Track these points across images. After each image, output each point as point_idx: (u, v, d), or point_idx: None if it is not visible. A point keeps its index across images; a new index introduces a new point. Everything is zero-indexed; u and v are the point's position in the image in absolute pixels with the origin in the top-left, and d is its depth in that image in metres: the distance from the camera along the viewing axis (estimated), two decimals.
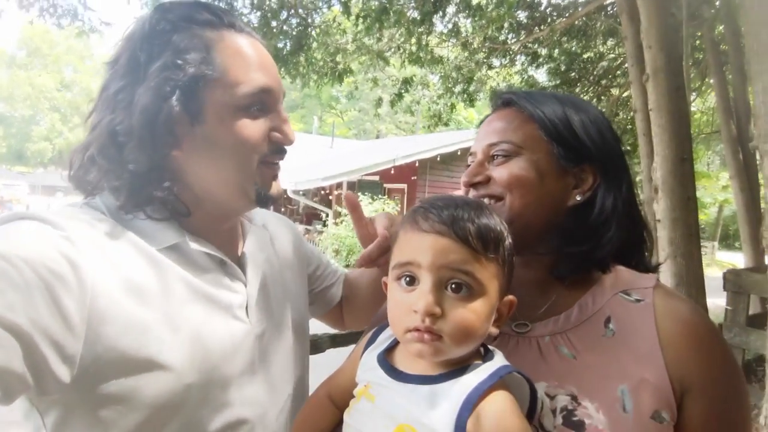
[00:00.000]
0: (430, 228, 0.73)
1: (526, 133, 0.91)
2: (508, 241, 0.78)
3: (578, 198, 0.90)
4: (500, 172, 0.90)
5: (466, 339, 0.71)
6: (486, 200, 0.90)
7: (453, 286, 0.71)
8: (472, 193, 0.94)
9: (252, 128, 0.87)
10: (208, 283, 0.88)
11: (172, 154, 0.85)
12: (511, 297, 0.78)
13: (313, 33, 7.75)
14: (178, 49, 0.82)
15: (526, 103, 0.93)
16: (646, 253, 0.97)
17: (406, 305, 0.72)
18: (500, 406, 0.68)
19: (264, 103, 0.89)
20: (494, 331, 0.75)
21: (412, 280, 0.73)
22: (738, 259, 13.60)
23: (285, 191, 1.00)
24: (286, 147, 0.94)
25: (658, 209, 4.18)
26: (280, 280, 1.07)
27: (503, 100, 0.99)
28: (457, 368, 0.73)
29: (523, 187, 0.88)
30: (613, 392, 0.76)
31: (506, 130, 0.92)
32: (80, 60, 50.35)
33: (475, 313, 0.71)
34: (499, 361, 0.74)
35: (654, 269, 0.95)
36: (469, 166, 0.97)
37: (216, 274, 0.91)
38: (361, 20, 7.20)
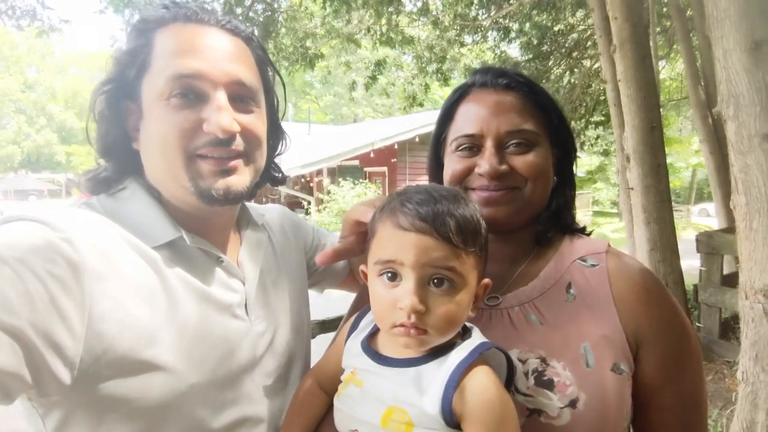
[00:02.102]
0: (411, 226, 0.73)
1: (539, 122, 0.93)
2: (484, 228, 0.80)
3: (555, 179, 0.98)
4: (522, 162, 0.91)
5: (449, 329, 0.75)
6: (503, 191, 0.90)
7: (435, 281, 0.73)
8: (487, 183, 0.90)
9: (175, 118, 0.82)
10: (206, 282, 0.89)
11: (133, 147, 0.89)
12: (486, 280, 0.81)
13: (280, 18, 7.61)
14: (125, 49, 0.86)
15: (531, 91, 0.94)
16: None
17: (390, 301, 0.74)
18: (482, 380, 0.72)
19: (194, 90, 0.83)
20: (471, 314, 0.79)
21: (395, 276, 0.75)
22: (713, 222, 13.94)
23: (245, 190, 0.90)
24: (222, 138, 0.83)
25: (630, 177, 4.27)
26: (278, 277, 1.07)
27: (506, 83, 0.94)
28: (439, 348, 0.76)
29: (542, 176, 0.92)
30: (577, 350, 0.83)
31: (523, 116, 0.92)
32: (42, 59, 48.66)
33: (457, 304, 0.74)
34: (477, 338, 0.78)
35: (582, 230, 1.03)
36: (464, 148, 0.93)
37: (214, 273, 0.91)
38: (328, 3, 7.09)
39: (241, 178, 0.89)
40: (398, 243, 0.74)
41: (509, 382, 0.79)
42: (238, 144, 0.87)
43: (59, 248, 0.71)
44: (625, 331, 0.84)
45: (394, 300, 0.73)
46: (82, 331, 0.71)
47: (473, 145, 0.93)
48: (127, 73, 0.85)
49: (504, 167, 0.90)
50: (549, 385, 0.80)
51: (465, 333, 0.80)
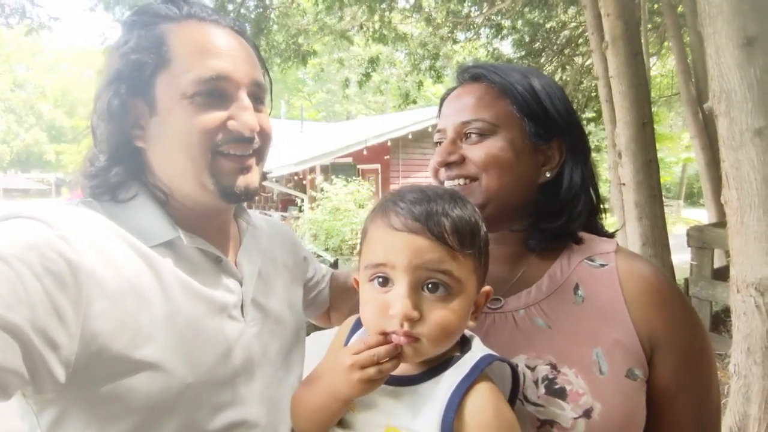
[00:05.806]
0: (403, 226, 0.69)
1: (499, 110, 0.90)
2: (483, 230, 0.75)
3: (548, 175, 0.92)
4: (476, 152, 0.89)
5: (445, 339, 0.70)
6: (461, 181, 0.89)
7: (430, 286, 0.68)
8: (444, 174, 0.92)
9: (201, 117, 0.83)
10: (203, 282, 0.88)
11: (136, 144, 0.87)
12: (487, 288, 0.77)
13: (273, 15, 7.58)
14: (134, 44, 0.83)
15: (497, 77, 0.92)
16: (600, 221, 1.01)
17: (381, 307, 0.69)
18: (484, 402, 0.67)
19: (218, 90, 0.84)
20: (471, 324, 0.75)
21: (386, 281, 0.70)
22: (703, 216, 14.08)
23: (259, 186, 0.95)
24: (247, 137, 0.87)
25: (622, 173, 4.30)
26: (276, 280, 1.07)
27: (471, 75, 0.96)
28: (436, 365, 0.72)
29: (500, 167, 0.88)
30: (589, 356, 0.79)
31: (479, 106, 0.90)
32: (32, 57, 48.17)
33: (454, 312, 0.69)
34: (478, 350, 0.73)
35: (611, 235, 0.98)
36: (438, 143, 0.95)
37: (211, 273, 0.91)
38: None
39: (254, 175, 0.92)
40: (390, 245, 0.69)
41: (514, 395, 0.76)
42: (255, 142, 0.90)
43: (56, 246, 0.71)
44: (639, 335, 0.81)
45: (384, 306, 0.68)
46: (77, 329, 0.70)
47: (443, 140, 0.94)
48: (137, 70, 0.83)
49: (453, 157, 0.90)
50: (561, 394, 0.77)
51: (464, 344, 0.75)
